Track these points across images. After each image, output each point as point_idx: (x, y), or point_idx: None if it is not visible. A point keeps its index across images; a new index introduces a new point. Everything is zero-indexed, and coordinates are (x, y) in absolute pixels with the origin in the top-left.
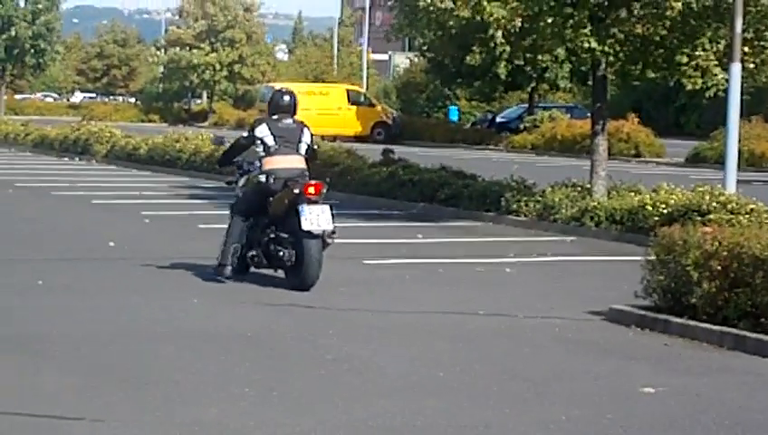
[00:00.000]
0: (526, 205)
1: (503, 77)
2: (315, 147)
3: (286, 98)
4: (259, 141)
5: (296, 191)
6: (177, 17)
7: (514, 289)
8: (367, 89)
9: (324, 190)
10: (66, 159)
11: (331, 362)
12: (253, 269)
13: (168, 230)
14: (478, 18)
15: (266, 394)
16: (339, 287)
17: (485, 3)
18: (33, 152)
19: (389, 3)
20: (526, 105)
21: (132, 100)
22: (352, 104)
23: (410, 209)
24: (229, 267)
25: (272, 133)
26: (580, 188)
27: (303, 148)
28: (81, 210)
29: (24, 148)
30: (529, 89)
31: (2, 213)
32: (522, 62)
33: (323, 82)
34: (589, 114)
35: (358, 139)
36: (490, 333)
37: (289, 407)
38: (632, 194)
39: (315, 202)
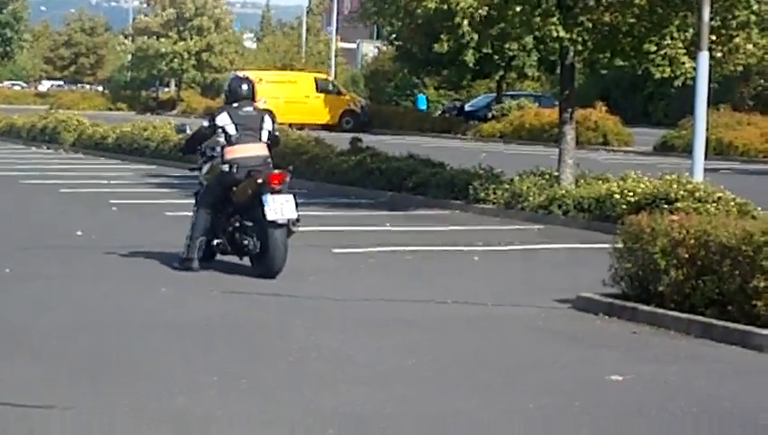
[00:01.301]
0: (494, 193)
1: (471, 65)
2: (277, 133)
3: (244, 86)
4: (220, 130)
5: (260, 181)
6: (144, 5)
7: (482, 277)
8: (335, 77)
9: (288, 179)
10: (34, 147)
11: (299, 351)
12: (219, 257)
13: (136, 218)
14: (445, 7)
15: (235, 383)
16: (307, 276)
17: None
18: (0, 141)
19: None
20: (494, 94)
21: (100, 88)
22: (320, 93)
23: (379, 198)
24: (196, 262)
25: (233, 122)
26: (548, 177)
27: (265, 135)
28: (49, 199)
29: None
30: (497, 77)
31: None
32: (490, 51)
33: (291, 70)
34: (556, 103)
35: (326, 127)
36: (459, 322)
37: (257, 395)
38: (600, 182)
39: (279, 191)
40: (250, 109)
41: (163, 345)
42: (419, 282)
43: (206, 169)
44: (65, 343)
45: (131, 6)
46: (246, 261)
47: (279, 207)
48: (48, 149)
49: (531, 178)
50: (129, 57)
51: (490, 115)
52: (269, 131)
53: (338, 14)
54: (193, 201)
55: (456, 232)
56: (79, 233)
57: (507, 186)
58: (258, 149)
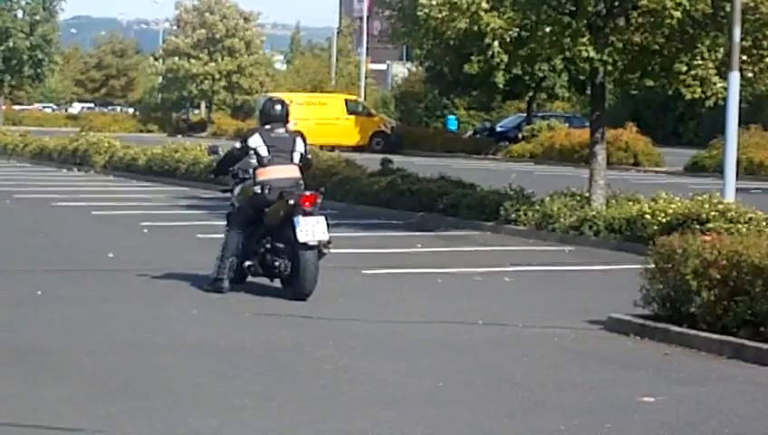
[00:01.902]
0: (525, 214)
1: (501, 86)
2: (309, 156)
3: (278, 107)
4: (252, 152)
5: (291, 202)
6: (175, 27)
7: (513, 299)
8: (365, 98)
9: (319, 201)
10: (65, 169)
11: (331, 373)
12: (250, 278)
13: (167, 240)
14: (475, 28)
15: (266, 405)
16: (338, 297)
17: (483, 13)
18: (31, 163)
19: (387, 12)
20: (524, 114)
21: (131, 110)
22: (351, 114)
23: (409, 219)
24: (227, 281)
25: (265, 143)
26: (578, 198)
27: (297, 157)
28: (80, 221)
29: (23, 159)
30: (527, 98)
31: (0, 224)
32: (520, 72)
33: (321, 91)
34: (587, 123)
35: (356, 148)
36: (489, 343)
37: (289, 418)
38: (631, 203)
39: (310, 213)
40: (282, 131)
41: (194, 367)
42: (450, 303)
43: (237, 190)
44: (96, 365)
45: (162, 28)
46: (277, 283)
47: (310, 228)
48: (79, 171)
49: (561, 199)
50: (160, 79)
51: (520, 136)
52: (301, 153)
53: (368, 35)
54: (224, 222)
55: (487, 253)
56: (110, 255)
57: (538, 207)
58: (290, 171)
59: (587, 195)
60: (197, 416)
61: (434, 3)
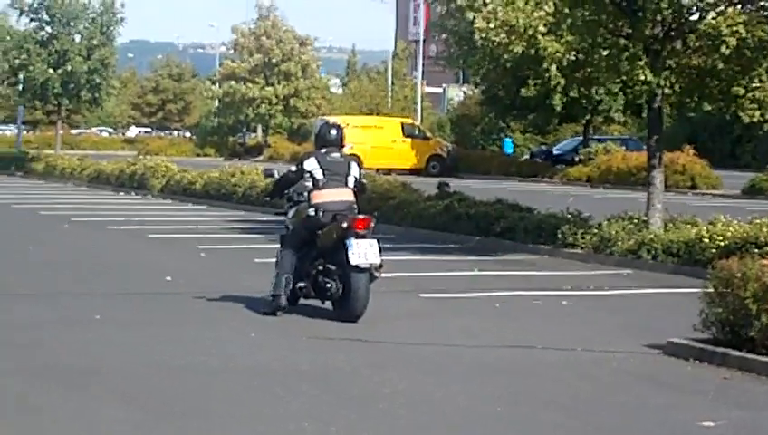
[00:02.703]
0: (582, 238)
1: (557, 109)
2: (364, 180)
3: (333, 131)
4: (308, 175)
5: (344, 225)
6: (231, 51)
7: (572, 323)
8: (421, 122)
9: (372, 225)
10: (122, 193)
11: (389, 397)
12: (306, 302)
13: (225, 264)
14: (533, 52)
15: (324, 429)
16: (395, 321)
17: (540, 37)
18: (89, 187)
19: (445, 36)
20: (581, 137)
21: (187, 134)
22: (407, 137)
23: (466, 242)
24: (284, 297)
25: (320, 167)
26: (636, 221)
27: (352, 181)
28: (137, 244)
29: (81, 182)
30: (584, 121)
31: (59, 247)
32: (576, 95)
33: (378, 115)
34: (643, 146)
35: (413, 172)
36: (547, 367)
37: None
38: (689, 226)
39: (363, 236)
40: (337, 155)
41: (251, 390)
42: (508, 327)
43: (291, 213)
44: (153, 388)
45: (218, 52)
46: (328, 304)
47: (363, 251)
48: (136, 195)
49: (619, 223)
50: (216, 103)
51: (577, 159)
52: (356, 177)
53: (423, 58)
54: (278, 245)
55: (545, 277)
56: (168, 278)
57: (595, 230)
58: (344, 195)
59: (644, 218)
60: None
61: (491, 26)
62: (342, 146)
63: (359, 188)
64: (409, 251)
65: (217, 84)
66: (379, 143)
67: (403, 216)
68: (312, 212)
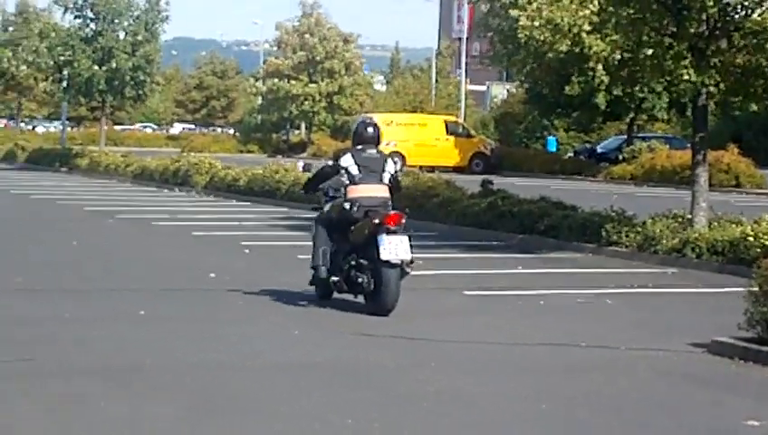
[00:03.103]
0: (627, 236)
1: (602, 108)
2: (399, 177)
3: (370, 129)
4: (344, 171)
5: (376, 221)
6: (275, 48)
7: (615, 321)
8: (464, 119)
9: (404, 221)
10: (166, 190)
11: (433, 395)
12: (345, 298)
13: (268, 261)
14: (577, 50)
15: (368, 426)
16: (439, 318)
17: (585, 35)
18: (133, 183)
19: (489, 34)
20: (625, 136)
21: (231, 131)
22: (450, 135)
23: (510, 240)
24: (323, 268)
25: (356, 163)
26: (680, 219)
27: (387, 177)
28: (181, 241)
29: (125, 179)
30: (627, 119)
31: (103, 244)
32: (620, 93)
33: (421, 112)
34: (687, 145)
35: (456, 170)
36: (592, 365)
37: None
38: (734, 225)
39: (394, 232)
40: (373, 151)
41: (296, 387)
42: (551, 325)
43: (327, 208)
44: (198, 384)
45: (262, 49)
46: (360, 298)
47: (394, 247)
48: (180, 191)
49: (663, 221)
50: (260, 100)
51: (621, 157)
52: (391, 174)
53: (467, 56)
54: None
55: (588, 275)
56: (212, 275)
57: (639, 229)
58: (379, 191)
59: (689, 217)
60: None
61: (535, 24)
62: (378, 143)
63: (394, 185)
64: (453, 249)
65: (261, 81)
66: (422, 141)
67: (447, 213)
68: (347, 206)
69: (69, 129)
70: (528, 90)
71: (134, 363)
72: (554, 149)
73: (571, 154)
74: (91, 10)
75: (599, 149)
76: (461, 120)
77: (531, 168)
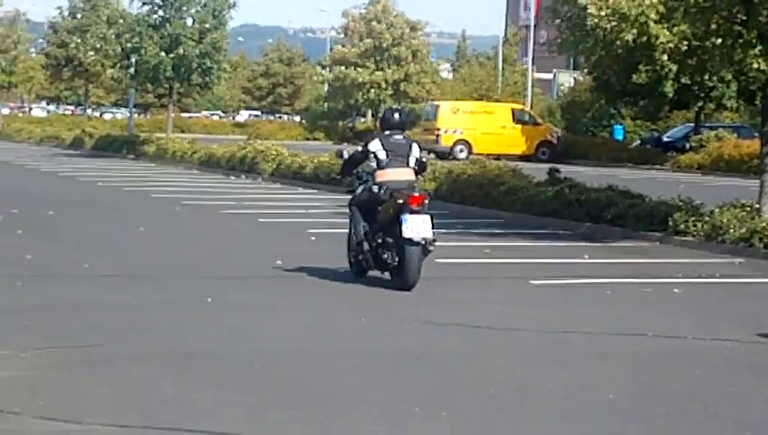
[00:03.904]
0: (694, 225)
1: (669, 96)
2: (424, 160)
3: (396, 115)
4: (372, 155)
5: (400, 201)
6: (342, 36)
7: (683, 311)
8: (531, 107)
9: (426, 202)
10: (233, 177)
11: (500, 383)
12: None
13: (335, 248)
14: (644, 39)
15: (435, 414)
16: (506, 306)
17: (651, 24)
18: (199, 170)
19: (557, 21)
20: (692, 124)
21: (297, 118)
22: (517, 123)
23: (576, 229)
24: (365, 243)
25: (383, 148)
26: (748, 209)
27: (413, 161)
28: (247, 228)
29: (191, 166)
30: (695, 108)
31: (170, 230)
32: (688, 81)
33: (488, 100)
34: (755, 133)
35: (522, 158)
36: (659, 355)
37: (459, 427)
38: None
39: (417, 212)
40: (400, 137)
41: (362, 375)
42: (618, 314)
43: (359, 190)
44: (265, 371)
45: (328, 36)
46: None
47: (416, 226)
48: (246, 178)
49: (731, 211)
50: (326, 87)
51: (688, 146)
52: (417, 158)
53: (534, 43)
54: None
55: (656, 264)
56: (279, 262)
57: (707, 218)
58: (405, 174)
59: (757, 206)
60: (366, 423)
61: (602, 13)
62: (404, 129)
63: (420, 168)
64: (519, 237)
65: (327, 69)
66: (488, 129)
67: (512, 201)
68: (375, 189)
69: (136, 116)
70: (595, 78)
71: (201, 350)
72: (621, 138)
73: (638, 143)
74: None
75: (665, 138)
76: (528, 108)
77: (597, 156)
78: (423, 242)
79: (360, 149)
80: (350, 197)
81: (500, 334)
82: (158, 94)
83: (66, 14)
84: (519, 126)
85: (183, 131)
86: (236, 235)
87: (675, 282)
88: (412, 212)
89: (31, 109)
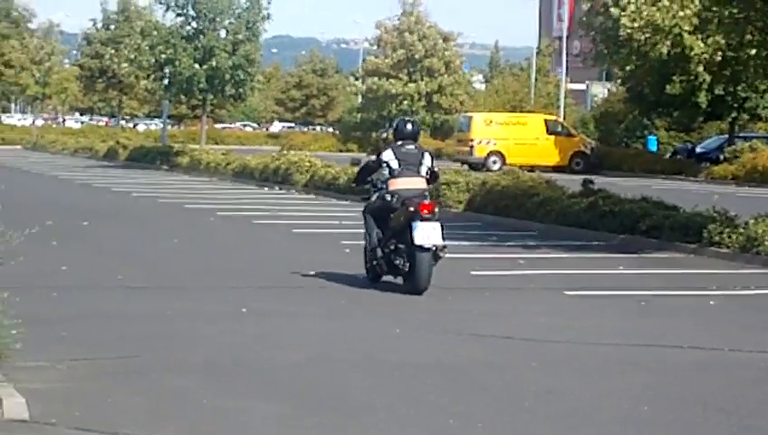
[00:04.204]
0: (729, 237)
1: (703, 107)
2: (436, 169)
3: (409, 126)
4: (385, 164)
5: (411, 209)
6: (374, 47)
7: (718, 322)
8: (564, 118)
9: (437, 210)
10: (266, 188)
11: (534, 395)
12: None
13: None
14: (678, 51)
15: (470, 426)
16: (539, 318)
17: (686, 35)
18: (233, 181)
19: (591, 33)
20: (726, 135)
21: (330, 129)
22: (550, 134)
23: (610, 240)
24: (379, 248)
25: (396, 157)
26: None
27: (424, 170)
28: (281, 239)
29: (225, 177)
30: (729, 119)
31: (204, 241)
32: (722, 92)
33: (521, 111)
34: None
35: (556, 169)
36: (694, 367)
37: None
38: None
39: (428, 219)
40: (412, 147)
41: (394, 385)
42: (653, 326)
43: (374, 198)
44: (299, 381)
45: (361, 48)
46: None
47: (426, 233)
48: (280, 189)
49: (766, 222)
50: (360, 98)
51: (722, 157)
52: (428, 167)
53: (567, 55)
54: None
55: (691, 276)
56: (312, 273)
57: (742, 229)
58: (417, 183)
59: None
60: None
61: (635, 25)
62: (416, 139)
63: (431, 177)
64: (553, 248)
65: (361, 80)
66: (522, 140)
67: (546, 213)
68: (388, 197)
69: (169, 127)
70: (629, 89)
71: (236, 360)
72: (655, 149)
73: (671, 153)
74: (193, 8)
75: (698, 149)
76: (561, 119)
77: (631, 167)
78: (433, 248)
79: (373, 158)
80: (364, 204)
81: (534, 346)
82: (191, 105)
83: (100, 25)
84: (552, 137)
85: (216, 143)
86: (270, 245)
87: (710, 294)
88: (423, 219)
89: (65, 120)
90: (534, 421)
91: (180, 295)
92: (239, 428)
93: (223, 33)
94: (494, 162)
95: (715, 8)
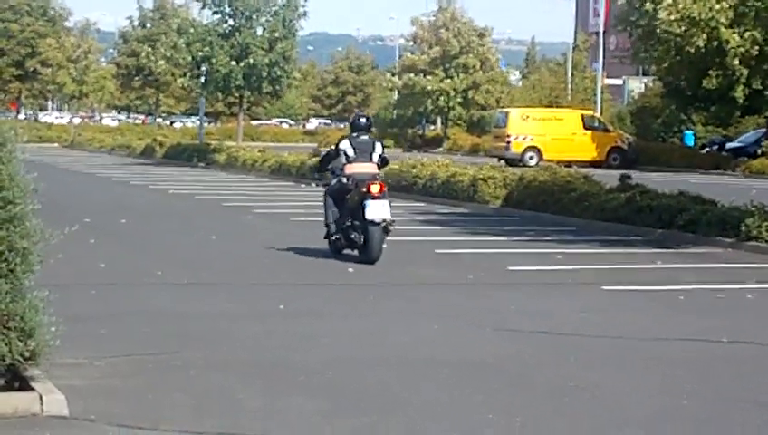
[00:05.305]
0: (767, 231)
1: (740, 101)
2: (386, 156)
3: (362, 120)
4: (342, 153)
5: (363, 190)
6: (410, 43)
7: (758, 316)
8: (601, 113)
9: (386, 190)
10: (303, 185)
11: (573, 390)
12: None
13: (405, 255)
14: (715, 44)
15: (509, 422)
16: (578, 313)
17: (722, 29)
18: (270, 178)
19: (628, 29)
20: (764, 130)
21: None
22: (587, 129)
23: (648, 235)
24: (333, 225)
25: (352, 146)
26: None
27: (376, 157)
28: (318, 236)
29: (262, 174)
30: (767, 113)
31: (242, 239)
32: (760, 87)
33: (557, 107)
34: None
35: (593, 164)
36: (734, 361)
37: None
38: None
39: (378, 198)
40: (365, 137)
41: (436, 383)
42: (693, 320)
43: (333, 182)
44: (339, 379)
45: (397, 44)
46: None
47: (377, 209)
48: (317, 186)
49: None
50: (396, 94)
51: (759, 151)
52: (379, 154)
53: (604, 50)
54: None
55: (729, 270)
56: (350, 270)
57: None
58: (369, 168)
59: None
60: (442, 431)
61: (672, 18)
62: (369, 131)
63: (382, 162)
64: (591, 243)
65: (397, 76)
66: (559, 135)
67: (584, 208)
68: (344, 180)
69: (206, 124)
70: (665, 83)
71: (274, 358)
72: (692, 144)
73: (702, 146)
74: (229, 6)
75: (735, 143)
76: (598, 115)
77: (668, 162)
78: (383, 223)
79: (332, 148)
80: (325, 188)
81: (572, 341)
82: (228, 103)
83: (136, 23)
84: (589, 132)
85: (253, 139)
86: (307, 242)
87: (748, 287)
88: (374, 198)
89: (102, 118)
90: (574, 417)
91: (219, 293)
92: (281, 425)
93: (259, 31)
94: (531, 158)
95: (751, 2)
